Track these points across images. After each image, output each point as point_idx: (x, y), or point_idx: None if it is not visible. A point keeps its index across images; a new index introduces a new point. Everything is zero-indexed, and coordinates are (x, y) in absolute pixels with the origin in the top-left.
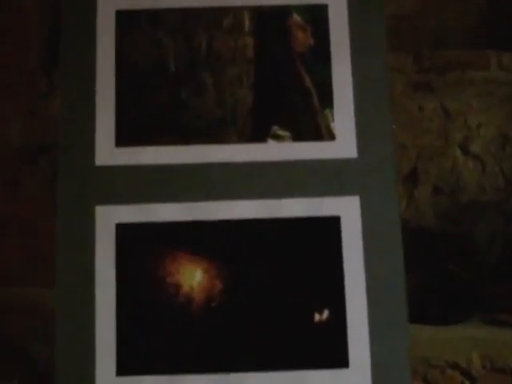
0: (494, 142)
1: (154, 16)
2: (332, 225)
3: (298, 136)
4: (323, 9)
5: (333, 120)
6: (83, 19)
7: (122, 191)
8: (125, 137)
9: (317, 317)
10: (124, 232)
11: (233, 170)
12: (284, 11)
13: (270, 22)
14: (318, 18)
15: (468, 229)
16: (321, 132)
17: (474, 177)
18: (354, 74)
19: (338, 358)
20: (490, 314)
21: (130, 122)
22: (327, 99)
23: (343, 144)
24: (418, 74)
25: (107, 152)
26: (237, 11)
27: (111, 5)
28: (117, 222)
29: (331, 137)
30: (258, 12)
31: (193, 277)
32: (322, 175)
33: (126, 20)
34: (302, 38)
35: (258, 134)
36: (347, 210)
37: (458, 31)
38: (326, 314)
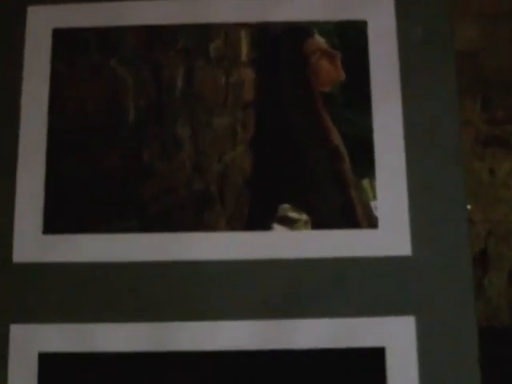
0: None
1: (107, 37)
2: (372, 360)
3: (321, 221)
4: (360, 27)
5: (374, 197)
6: (5, 41)
7: (49, 302)
8: (57, 220)
9: None
10: (49, 365)
11: (219, 272)
12: (301, 31)
13: (280, 46)
14: (352, 41)
15: None
16: (355, 215)
17: None
18: (407, 126)
19: None
20: None
21: (66, 198)
22: (366, 164)
23: (390, 234)
24: (488, 126)
25: (31, 242)
26: (230, 31)
27: (46, 21)
28: (40, 350)
29: (372, 223)
30: (261, 32)
31: None
32: (358, 283)
33: (66, 43)
34: (328, 71)
35: (260, 217)
36: (396, 337)
37: None
38: None
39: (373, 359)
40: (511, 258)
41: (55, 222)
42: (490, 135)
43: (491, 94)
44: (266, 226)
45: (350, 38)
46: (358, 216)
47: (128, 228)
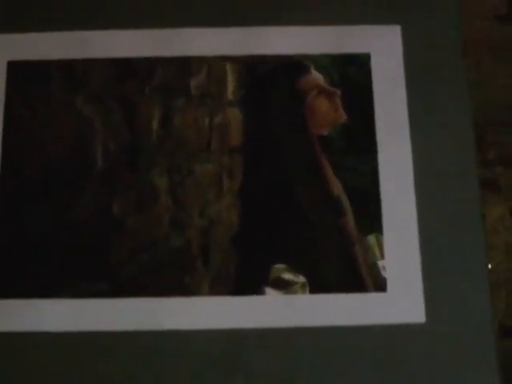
0: None
1: (71, 71)
2: None
3: (320, 284)
4: (363, 61)
5: (382, 255)
6: None
7: (4, 377)
8: (14, 282)
9: None
10: None
11: (202, 344)
12: (295, 65)
13: (271, 83)
14: (354, 77)
15: None
16: (360, 276)
17: None
18: (418, 174)
19: None
20: None
21: (24, 257)
22: (372, 218)
23: (401, 298)
24: (478, 168)
25: None
26: (214, 65)
27: (0, 52)
28: None
29: (379, 285)
30: (249, 66)
31: None
32: (364, 355)
33: (23, 77)
34: (327, 112)
35: (249, 280)
36: None
37: None
38: None
39: None
40: (502, 310)
41: (12, 285)
42: (479, 178)
43: (483, 133)
44: (257, 290)
45: (352, 74)
46: (364, 278)
47: (96, 292)
